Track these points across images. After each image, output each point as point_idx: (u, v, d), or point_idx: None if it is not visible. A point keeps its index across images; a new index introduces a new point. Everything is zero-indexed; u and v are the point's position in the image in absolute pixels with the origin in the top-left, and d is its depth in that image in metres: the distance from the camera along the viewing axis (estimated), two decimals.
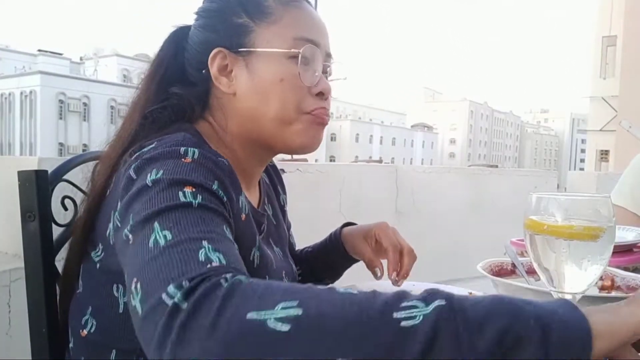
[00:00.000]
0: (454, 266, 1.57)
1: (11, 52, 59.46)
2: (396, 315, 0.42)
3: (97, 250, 0.72)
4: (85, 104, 49.77)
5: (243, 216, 0.74)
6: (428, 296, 0.43)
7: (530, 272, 0.94)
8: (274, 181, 1.01)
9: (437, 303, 0.42)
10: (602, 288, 0.88)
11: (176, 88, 0.80)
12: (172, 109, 0.77)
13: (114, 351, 0.71)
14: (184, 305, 0.45)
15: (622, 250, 1.08)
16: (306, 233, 1.15)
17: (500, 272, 0.96)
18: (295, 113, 0.77)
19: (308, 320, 0.42)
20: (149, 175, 0.61)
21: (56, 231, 0.89)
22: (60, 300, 0.83)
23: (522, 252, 1.06)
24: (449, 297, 0.43)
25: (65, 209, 0.89)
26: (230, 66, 0.78)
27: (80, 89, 49.42)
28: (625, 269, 0.96)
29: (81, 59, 64.96)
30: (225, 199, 0.64)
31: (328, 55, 0.83)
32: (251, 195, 0.85)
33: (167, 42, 0.84)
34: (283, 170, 1.05)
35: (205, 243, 0.52)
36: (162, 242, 0.53)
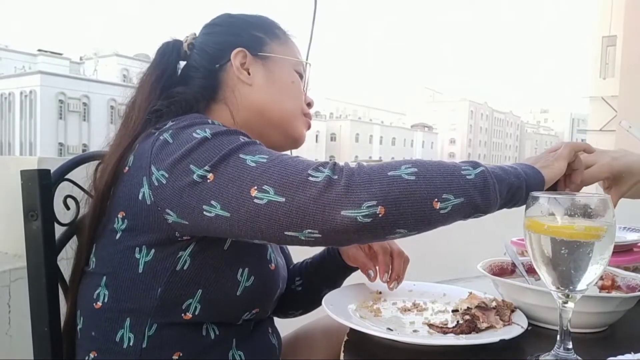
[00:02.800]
0: (454, 266, 1.57)
1: (11, 52, 59.43)
2: (462, 172, 0.70)
3: (117, 221, 0.77)
4: (85, 104, 49.78)
5: None
6: (474, 164, 0.72)
7: (530, 271, 0.94)
8: None
9: (481, 168, 0.72)
10: (602, 288, 0.88)
11: (180, 88, 0.88)
12: (178, 104, 0.85)
13: (128, 319, 0.76)
14: (336, 176, 0.65)
15: (622, 250, 1.09)
16: None
17: (500, 271, 0.96)
18: (299, 112, 0.94)
19: (422, 174, 0.67)
20: (195, 133, 0.72)
21: (58, 230, 0.89)
22: (70, 289, 0.86)
23: (522, 252, 1.06)
24: (484, 165, 0.73)
25: (68, 208, 0.90)
26: (247, 65, 0.91)
27: (80, 88, 49.43)
28: (626, 269, 0.97)
29: (81, 59, 64.92)
30: None
31: None
32: None
33: (167, 49, 0.93)
34: None
35: (296, 155, 0.70)
36: (264, 160, 0.68)
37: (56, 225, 0.88)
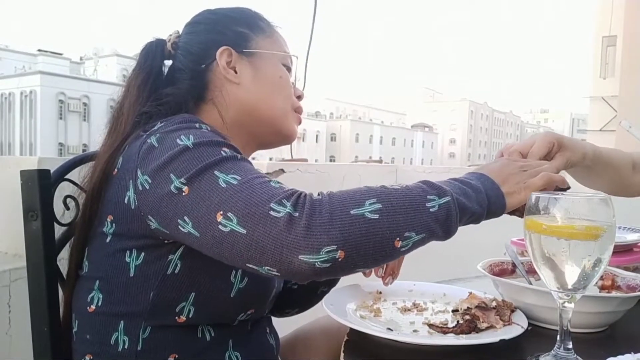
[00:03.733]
0: (454, 266, 1.57)
1: (11, 52, 59.41)
2: (427, 204, 0.67)
3: (106, 225, 0.77)
4: (85, 104, 49.76)
5: None
6: (440, 192, 0.69)
7: (531, 271, 0.94)
8: None
9: (446, 199, 0.69)
10: (602, 288, 0.88)
11: (169, 89, 0.87)
12: (167, 105, 0.84)
13: (121, 322, 0.76)
14: (297, 214, 0.62)
15: (622, 250, 1.08)
16: None
17: (500, 271, 0.96)
18: (289, 109, 0.93)
19: (386, 210, 0.64)
20: (179, 140, 0.71)
21: (58, 230, 0.89)
22: (64, 291, 0.85)
23: (522, 252, 1.06)
24: (450, 193, 0.69)
25: (67, 208, 0.90)
26: (234, 63, 0.89)
27: (80, 89, 49.41)
28: (626, 269, 0.97)
29: (81, 59, 64.94)
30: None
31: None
32: None
33: (150, 50, 0.91)
34: (282, 170, 1.07)
35: (268, 178, 0.68)
36: (234, 181, 0.66)
37: (56, 225, 0.88)
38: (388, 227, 0.64)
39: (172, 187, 0.68)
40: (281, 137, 0.94)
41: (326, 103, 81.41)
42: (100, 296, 0.78)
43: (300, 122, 0.97)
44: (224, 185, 0.66)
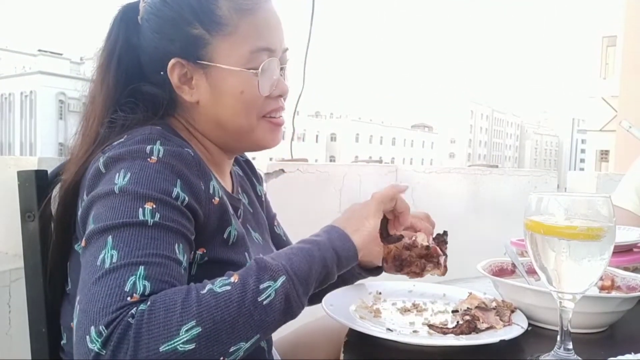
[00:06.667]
0: (454, 266, 1.57)
1: (11, 52, 59.44)
2: (260, 298, 0.61)
3: (78, 243, 0.73)
4: (85, 104, 49.74)
5: (216, 200, 0.76)
6: (274, 273, 0.63)
7: (530, 272, 0.94)
8: (247, 174, 1.03)
9: (282, 279, 0.63)
10: (602, 288, 0.88)
11: (146, 86, 0.80)
12: (141, 109, 0.78)
13: None
14: (103, 352, 0.54)
15: (622, 250, 1.08)
16: (306, 233, 1.14)
17: (500, 272, 0.96)
18: (256, 120, 0.81)
19: (207, 333, 0.56)
20: (116, 176, 0.66)
21: None
22: (52, 302, 0.83)
23: (522, 252, 1.06)
24: (285, 268, 0.65)
25: None
26: (190, 74, 0.79)
27: (80, 89, 49.33)
28: (626, 269, 0.97)
29: (81, 59, 64.86)
30: (186, 200, 0.67)
31: (284, 51, 0.84)
32: (225, 183, 0.88)
33: (115, 26, 0.82)
34: (283, 170, 1.06)
35: (141, 269, 0.59)
36: (106, 263, 0.59)
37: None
38: (207, 352, 0.56)
39: (86, 232, 0.64)
40: (257, 147, 0.85)
41: (326, 103, 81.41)
42: None
43: (279, 126, 0.85)
44: (98, 262, 0.60)
